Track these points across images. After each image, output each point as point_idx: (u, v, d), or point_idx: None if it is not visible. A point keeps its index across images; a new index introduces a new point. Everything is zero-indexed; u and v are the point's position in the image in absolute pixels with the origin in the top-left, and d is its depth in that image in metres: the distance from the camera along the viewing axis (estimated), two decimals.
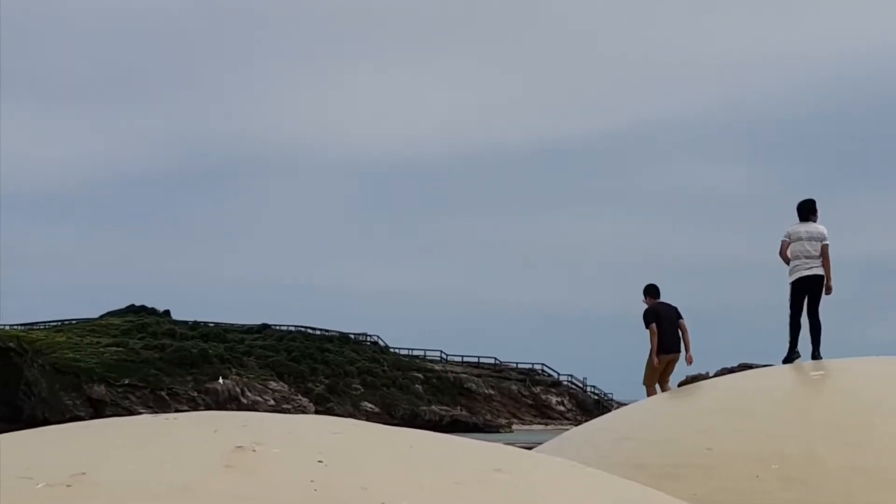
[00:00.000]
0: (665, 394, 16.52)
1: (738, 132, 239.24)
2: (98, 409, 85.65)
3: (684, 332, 16.93)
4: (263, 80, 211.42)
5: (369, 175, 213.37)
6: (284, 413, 12.64)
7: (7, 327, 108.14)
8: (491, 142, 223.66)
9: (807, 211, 16.02)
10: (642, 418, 14.68)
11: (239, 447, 7.13)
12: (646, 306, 17.20)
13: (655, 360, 16.69)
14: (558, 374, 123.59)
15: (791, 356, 15.76)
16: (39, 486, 6.45)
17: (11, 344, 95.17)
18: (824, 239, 15.80)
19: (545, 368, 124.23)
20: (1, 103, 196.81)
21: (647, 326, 16.84)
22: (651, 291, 17.36)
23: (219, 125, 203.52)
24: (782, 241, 15.90)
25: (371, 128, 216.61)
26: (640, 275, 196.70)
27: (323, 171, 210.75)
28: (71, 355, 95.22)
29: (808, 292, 15.84)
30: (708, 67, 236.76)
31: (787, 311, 16.03)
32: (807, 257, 15.77)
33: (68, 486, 6.43)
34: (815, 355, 15.60)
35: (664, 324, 16.82)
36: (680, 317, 17.02)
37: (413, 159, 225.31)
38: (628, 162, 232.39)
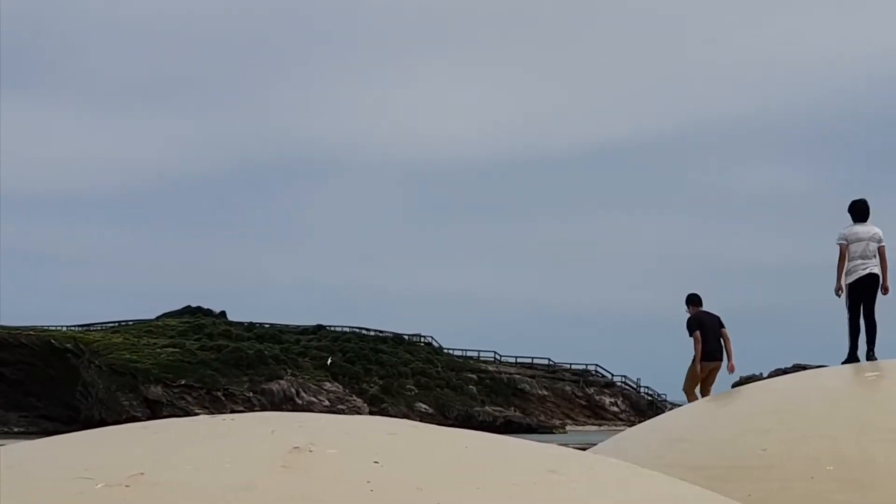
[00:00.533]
0: (720, 395, 16.47)
1: (792, 132, 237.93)
2: (154, 410, 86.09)
3: (727, 340, 17.02)
4: (315, 84, 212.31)
5: (424, 177, 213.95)
6: (339, 414, 12.68)
7: (64, 328, 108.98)
8: (542, 144, 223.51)
9: (862, 212, 15.91)
10: (697, 419, 14.64)
11: (296, 448, 7.17)
12: (688, 315, 17.26)
13: (698, 367, 16.75)
14: (612, 375, 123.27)
15: (851, 360, 15.66)
16: (98, 486, 6.51)
17: (69, 345, 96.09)
18: (881, 241, 15.73)
19: (599, 369, 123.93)
20: (55, 106, 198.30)
21: (691, 335, 16.93)
22: (693, 300, 17.43)
23: (272, 128, 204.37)
24: (840, 245, 15.75)
25: (423, 130, 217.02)
26: (694, 275, 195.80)
27: (378, 174, 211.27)
28: (128, 356, 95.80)
29: (864, 293, 15.74)
30: (755, 67, 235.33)
31: (846, 313, 15.92)
32: (863, 258, 15.67)
33: (127, 486, 6.49)
34: (870, 356, 15.53)
35: (707, 332, 16.89)
36: (722, 326, 17.10)
37: (468, 162, 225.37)
38: (680, 163, 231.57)
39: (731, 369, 17.07)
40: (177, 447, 7.30)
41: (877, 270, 15.68)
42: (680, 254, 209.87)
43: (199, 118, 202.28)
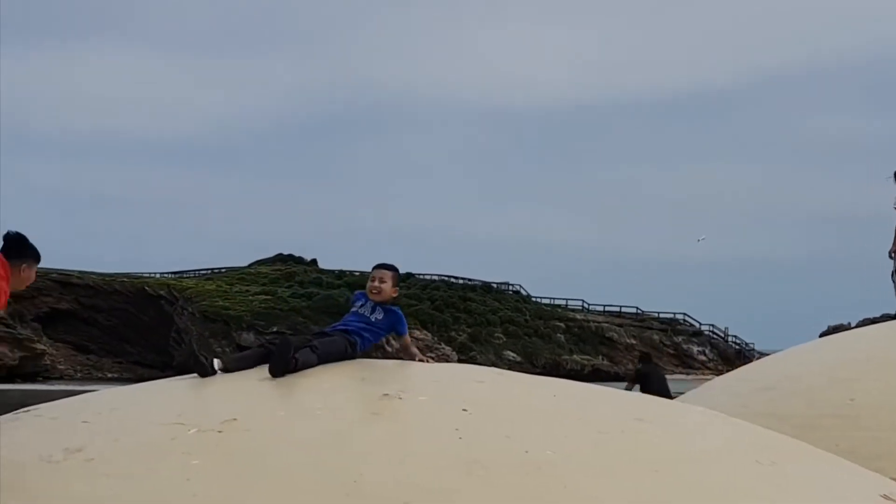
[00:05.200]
0: (808, 344, 16.41)
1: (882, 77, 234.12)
2: None
3: None
4: (402, 31, 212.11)
5: (516, 123, 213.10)
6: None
7: (158, 275, 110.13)
8: (632, 89, 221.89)
9: None
10: (784, 368, 14.55)
11: (385, 395, 7.26)
12: None
13: None
14: (700, 324, 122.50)
15: None
16: (191, 431, 6.63)
17: (163, 292, 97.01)
18: None
19: (687, 318, 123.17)
20: (147, 52, 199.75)
21: None
22: None
23: (365, 74, 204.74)
24: None
25: (511, 75, 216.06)
26: (783, 224, 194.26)
27: (470, 120, 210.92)
28: (221, 303, 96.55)
29: None
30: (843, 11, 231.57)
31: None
32: None
33: (219, 432, 6.60)
34: None
35: None
36: None
37: (560, 107, 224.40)
38: (772, 108, 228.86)
39: None
40: (269, 394, 7.40)
41: None
42: (770, 201, 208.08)
43: (292, 66, 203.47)
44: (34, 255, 8.33)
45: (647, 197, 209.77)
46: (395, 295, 8.70)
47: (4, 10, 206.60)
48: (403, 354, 8.78)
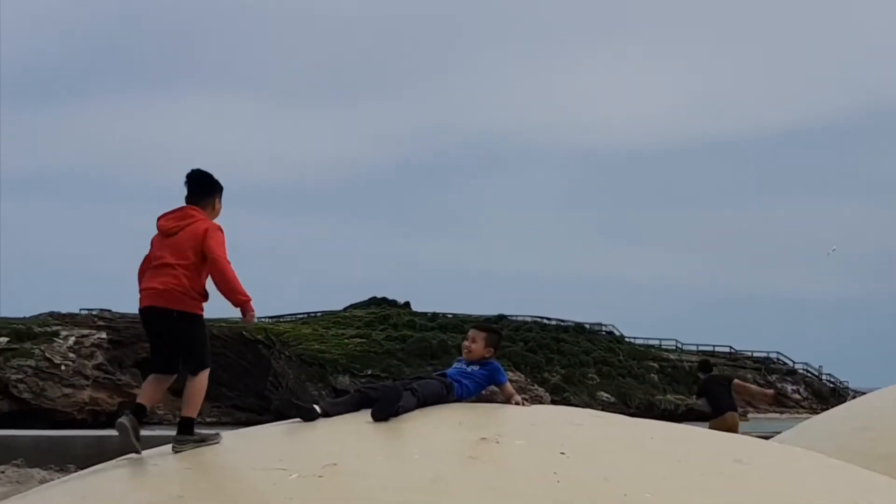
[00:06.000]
0: None
1: None
2: None
3: None
4: (494, 73, 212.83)
5: (603, 164, 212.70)
6: None
7: (256, 320, 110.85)
8: (726, 129, 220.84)
9: None
10: (882, 407, 14.41)
11: (483, 439, 7.28)
12: None
13: None
14: (793, 363, 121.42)
15: None
16: (293, 476, 6.70)
17: (260, 336, 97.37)
18: None
19: (780, 357, 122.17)
20: (248, 102, 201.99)
21: None
22: None
23: (454, 119, 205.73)
24: None
25: (602, 116, 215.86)
26: (875, 263, 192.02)
27: (558, 161, 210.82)
28: (316, 347, 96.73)
29: None
30: None
31: None
32: None
33: (320, 476, 6.66)
34: None
35: None
36: None
37: (646, 148, 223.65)
38: (863, 147, 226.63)
39: None
40: (368, 438, 7.45)
41: None
42: (862, 240, 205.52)
43: (385, 111, 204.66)
44: (220, 186, 8.14)
45: (740, 235, 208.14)
46: (487, 355, 8.83)
47: (123, 66, 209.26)
48: (506, 401, 8.86)
